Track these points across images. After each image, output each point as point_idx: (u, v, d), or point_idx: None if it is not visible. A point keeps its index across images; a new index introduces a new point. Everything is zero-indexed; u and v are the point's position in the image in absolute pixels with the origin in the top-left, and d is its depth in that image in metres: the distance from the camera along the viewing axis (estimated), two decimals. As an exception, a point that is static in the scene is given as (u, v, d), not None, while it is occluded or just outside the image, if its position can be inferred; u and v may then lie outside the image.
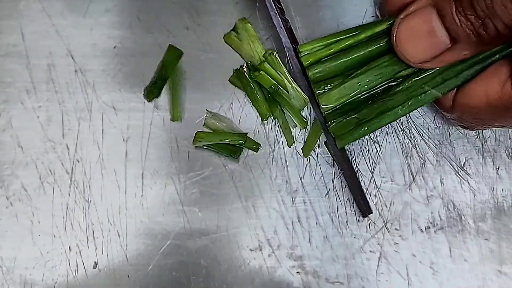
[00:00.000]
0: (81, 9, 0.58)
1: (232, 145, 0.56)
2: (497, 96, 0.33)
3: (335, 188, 0.56)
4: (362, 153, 0.56)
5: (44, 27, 0.58)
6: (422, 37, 0.33)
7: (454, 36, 0.31)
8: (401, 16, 0.35)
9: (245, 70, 0.55)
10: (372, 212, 0.52)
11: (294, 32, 0.52)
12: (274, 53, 0.54)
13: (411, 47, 0.34)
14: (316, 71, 0.44)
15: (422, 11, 0.33)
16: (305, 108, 0.56)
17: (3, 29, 0.58)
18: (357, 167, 0.56)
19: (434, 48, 0.33)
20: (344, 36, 0.43)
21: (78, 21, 0.58)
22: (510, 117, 0.33)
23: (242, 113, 0.57)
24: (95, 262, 0.56)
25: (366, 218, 0.55)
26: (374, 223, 0.55)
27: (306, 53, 0.44)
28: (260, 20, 0.57)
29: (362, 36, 0.41)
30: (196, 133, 0.55)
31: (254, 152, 0.56)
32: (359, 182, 0.50)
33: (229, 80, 0.56)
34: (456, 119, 0.37)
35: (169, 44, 0.57)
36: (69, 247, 0.56)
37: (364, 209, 0.50)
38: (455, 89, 0.39)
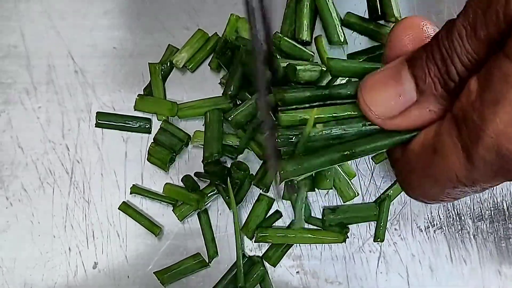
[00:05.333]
0: (81, 10, 0.58)
1: (231, 145, 0.56)
2: (432, 136, 0.32)
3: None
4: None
5: (44, 28, 0.58)
6: (388, 87, 0.32)
7: (420, 87, 0.31)
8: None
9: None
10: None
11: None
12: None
13: (375, 96, 0.33)
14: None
15: (394, 63, 0.33)
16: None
17: (4, 30, 0.58)
18: (357, 167, 0.56)
19: (399, 100, 0.32)
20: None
21: (78, 23, 0.58)
22: (445, 165, 0.31)
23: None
24: (95, 263, 0.56)
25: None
26: (374, 222, 0.55)
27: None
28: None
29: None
30: (194, 132, 0.55)
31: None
32: None
33: (208, 64, 0.57)
34: (396, 171, 0.36)
35: (169, 44, 0.57)
36: (69, 248, 0.56)
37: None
38: None
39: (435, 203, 0.37)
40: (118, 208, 0.55)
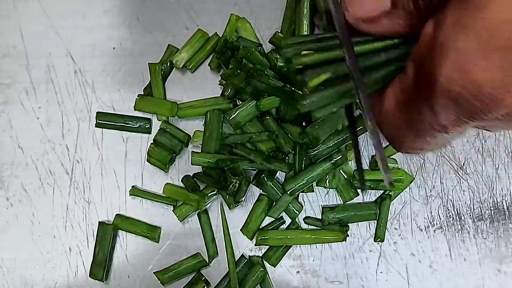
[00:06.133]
0: (80, 10, 0.58)
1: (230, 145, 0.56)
2: (400, 91, 0.34)
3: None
4: (362, 153, 0.56)
5: (43, 28, 0.58)
6: None
7: None
8: None
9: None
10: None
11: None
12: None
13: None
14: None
15: None
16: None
17: (3, 30, 0.58)
18: (356, 166, 0.56)
19: (375, 5, 0.34)
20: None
21: (78, 22, 0.58)
22: (417, 116, 0.33)
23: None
24: (95, 262, 0.56)
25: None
26: (374, 222, 0.55)
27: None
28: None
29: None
30: (194, 132, 0.55)
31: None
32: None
33: (208, 64, 0.57)
34: (385, 134, 0.38)
35: (169, 44, 0.57)
36: (69, 248, 0.56)
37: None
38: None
39: (425, 153, 0.39)
40: (113, 223, 0.55)
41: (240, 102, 0.55)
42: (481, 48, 0.27)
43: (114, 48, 0.58)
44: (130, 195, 0.55)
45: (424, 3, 0.31)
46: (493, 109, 0.29)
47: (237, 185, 0.53)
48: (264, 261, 0.55)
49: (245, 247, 0.56)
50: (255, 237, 0.55)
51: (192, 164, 0.54)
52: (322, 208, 0.55)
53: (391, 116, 0.35)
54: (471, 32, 0.27)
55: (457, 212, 0.56)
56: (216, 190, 0.54)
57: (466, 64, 0.28)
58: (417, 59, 0.31)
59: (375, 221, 0.55)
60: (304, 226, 0.56)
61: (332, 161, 0.53)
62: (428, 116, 0.32)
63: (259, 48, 0.54)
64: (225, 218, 0.55)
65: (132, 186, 0.56)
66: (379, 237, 0.55)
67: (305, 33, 0.55)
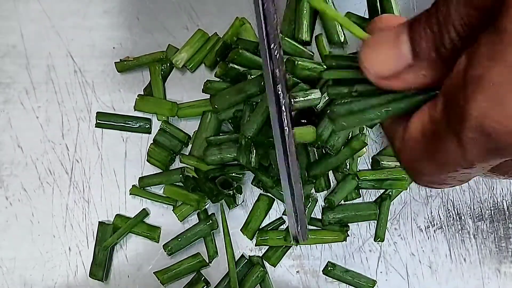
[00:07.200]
0: (80, 10, 0.58)
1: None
2: (427, 121, 0.32)
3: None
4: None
5: (43, 28, 0.58)
6: (386, 48, 0.33)
7: (416, 50, 0.31)
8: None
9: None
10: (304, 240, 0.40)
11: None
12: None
13: (374, 56, 0.33)
14: None
15: (397, 26, 0.33)
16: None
17: (3, 30, 0.58)
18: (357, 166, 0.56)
19: (395, 61, 0.32)
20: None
21: (78, 22, 0.58)
22: (442, 150, 0.32)
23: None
24: (95, 262, 0.56)
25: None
26: (374, 222, 0.55)
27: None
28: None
29: None
30: (194, 132, 0.55)
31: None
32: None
33: (203, 62, 0.57)
34: (404, 163, 0.36)
35: (169, 44, 0.57)
36: (69, 247, 0.56)
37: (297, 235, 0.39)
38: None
39: (444, 188, 0.38)
40: (113, 223, 0.55)
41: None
42: None
43: (114, 48, 0.58)
44: (130, 194, 0.55)
45: (447, 50, 0.30)
46: None
47: (231, 193, 0.53)
48: (264, 261, 0.55)
49: (245, 247, 0.56)
50: (255, 237, 0.55)
51: (180, 162, 0.54)
52: (322, 208, 0.55)
53: (414, 145, 0.33)
54: (507, 66, 0.26)
55: (457, 212, 0.56)
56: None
57: (502, 98, 0.27)
58: (448, 91, 0.30)
59: (375, 221, 0.55)
60: (304, 226, 0.56)
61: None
62: (455, 150, 0.30)
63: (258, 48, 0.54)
64: (225, 218, 0.55)
65: (133, 185, 0.56)
66: (379, 237, 0.55)
67: (305, 33, 0.56)
